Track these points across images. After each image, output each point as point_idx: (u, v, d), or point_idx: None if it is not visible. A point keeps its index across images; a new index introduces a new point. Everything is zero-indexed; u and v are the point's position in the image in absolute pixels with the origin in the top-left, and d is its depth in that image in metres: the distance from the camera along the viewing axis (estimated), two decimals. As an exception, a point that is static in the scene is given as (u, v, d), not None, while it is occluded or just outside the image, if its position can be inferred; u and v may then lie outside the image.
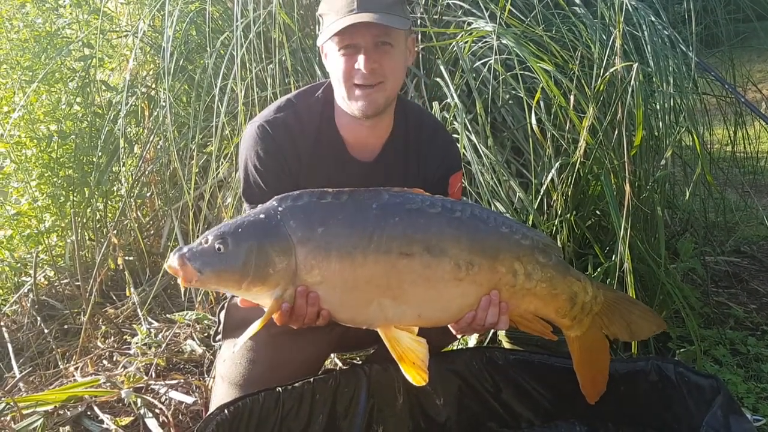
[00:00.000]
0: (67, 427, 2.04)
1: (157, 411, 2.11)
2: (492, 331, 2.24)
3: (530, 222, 2.30)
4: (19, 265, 3.11)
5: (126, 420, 2.08)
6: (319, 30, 1.74)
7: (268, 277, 1.43)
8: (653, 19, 2.55)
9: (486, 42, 2.63)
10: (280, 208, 1.46)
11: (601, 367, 1.71)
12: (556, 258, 1.61)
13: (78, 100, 3.21)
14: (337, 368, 2.30)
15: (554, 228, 2.36)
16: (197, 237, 1.49)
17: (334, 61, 1.67)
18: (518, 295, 1.57)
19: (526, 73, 2.48)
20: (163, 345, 2.49)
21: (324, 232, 1.44)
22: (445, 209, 1.51)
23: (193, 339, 2.55)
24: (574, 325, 1.66)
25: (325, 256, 1.43)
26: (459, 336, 1.73)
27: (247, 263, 1.40)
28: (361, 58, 1.62)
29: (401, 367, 1.47)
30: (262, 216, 1.46)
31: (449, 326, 1.58)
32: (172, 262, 1.39)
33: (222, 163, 2.78)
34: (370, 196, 1.49)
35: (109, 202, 3.28)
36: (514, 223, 1.62)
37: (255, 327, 1.43)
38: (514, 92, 2.62)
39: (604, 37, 2.45)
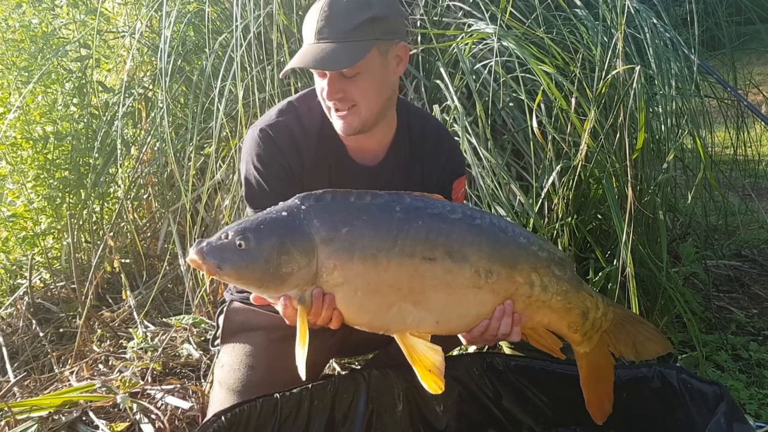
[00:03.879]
0: (62, 433, 2.02)
1: (153, 416, 2.08)
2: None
3: (531, 226, 2.28)
4: (14, 267, 3.08)
5: (121, 425, 2.05)
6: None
7: (289, 276, 1.38)
8: (655, 21, 2.53)
9: (486, 44, 2.61)
10: (303, 207, 1.42)
11: (607, 386, 1.70)
12: (571, 272, 1.60)
13: (74, 101, 3.19)
14: (336, 374, 2.28)
15: (555, 232, 2.34)
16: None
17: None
18: (533, 307, 1.55)
19: (527, 75, 2.46)
20: (160, 349, 2.47)
21: (348, 233, 1.39)
22: (465, 216, 1.48)
23: (190, 343, 2.53)
24: (584, 341, 1.65)
25: (349, 257, 1.39)
26: (466, 345, 1.71)
27: (268, 261, 1.36)
28: (325, 85, 1.59)
29: (417, 374, 1.44)
30: (284, 214, 1.41)
31: (461, 336, 1.56)
32: (192, 255, 1.36)
33: (220, 165, 2.75)
34: (392, 199, 1.45)
35: (105, 204, 3.25)
36: (531, 235, 1.60)
37: (300, 343, 1.37)
38: (514, 95, 2.60)
39: (605, 39, 2.44)
